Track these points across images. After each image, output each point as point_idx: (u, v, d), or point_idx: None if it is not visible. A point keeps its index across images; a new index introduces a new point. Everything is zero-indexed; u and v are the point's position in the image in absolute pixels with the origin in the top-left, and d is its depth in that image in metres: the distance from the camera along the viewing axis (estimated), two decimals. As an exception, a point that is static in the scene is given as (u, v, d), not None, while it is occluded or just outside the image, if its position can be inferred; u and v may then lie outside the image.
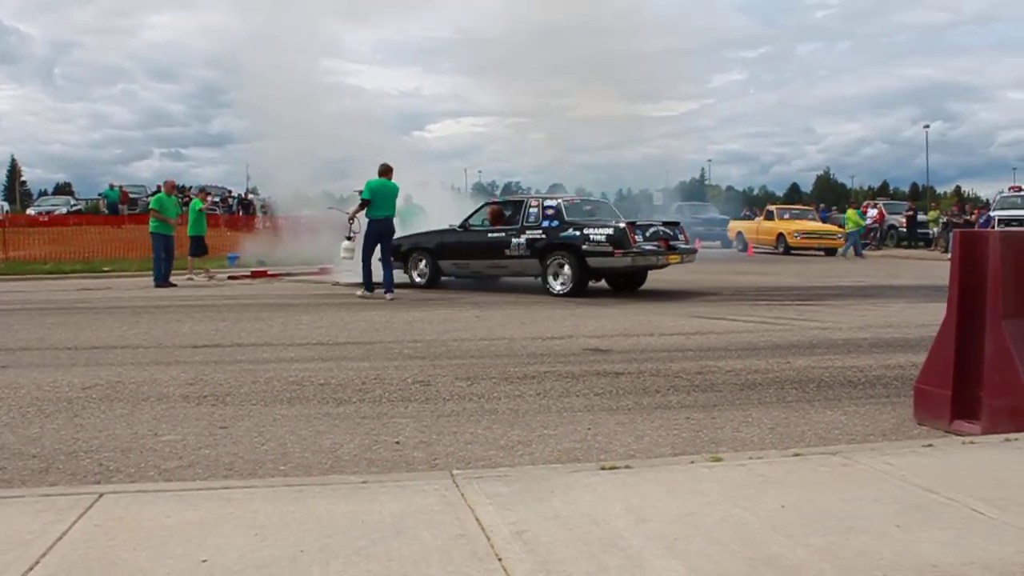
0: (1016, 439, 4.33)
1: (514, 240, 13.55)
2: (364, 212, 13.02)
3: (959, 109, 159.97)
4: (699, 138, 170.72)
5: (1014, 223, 27.63)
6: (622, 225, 12.99)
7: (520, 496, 3.42)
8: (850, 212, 29.71)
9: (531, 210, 13.60)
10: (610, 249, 12.65)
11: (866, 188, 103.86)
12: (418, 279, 14.93)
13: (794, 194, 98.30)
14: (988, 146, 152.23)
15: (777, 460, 3.95)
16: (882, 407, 5.60)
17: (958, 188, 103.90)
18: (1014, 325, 4.73)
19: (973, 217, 30.61)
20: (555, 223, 13.31)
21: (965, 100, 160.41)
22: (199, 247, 18.18)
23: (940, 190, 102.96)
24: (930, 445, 4.23)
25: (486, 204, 14.93)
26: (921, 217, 37.10)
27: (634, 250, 12.63)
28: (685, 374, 6.70)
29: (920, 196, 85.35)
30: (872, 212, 35.24)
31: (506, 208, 14.45)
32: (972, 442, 4.32)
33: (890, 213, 36.45)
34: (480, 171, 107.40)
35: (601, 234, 12.76)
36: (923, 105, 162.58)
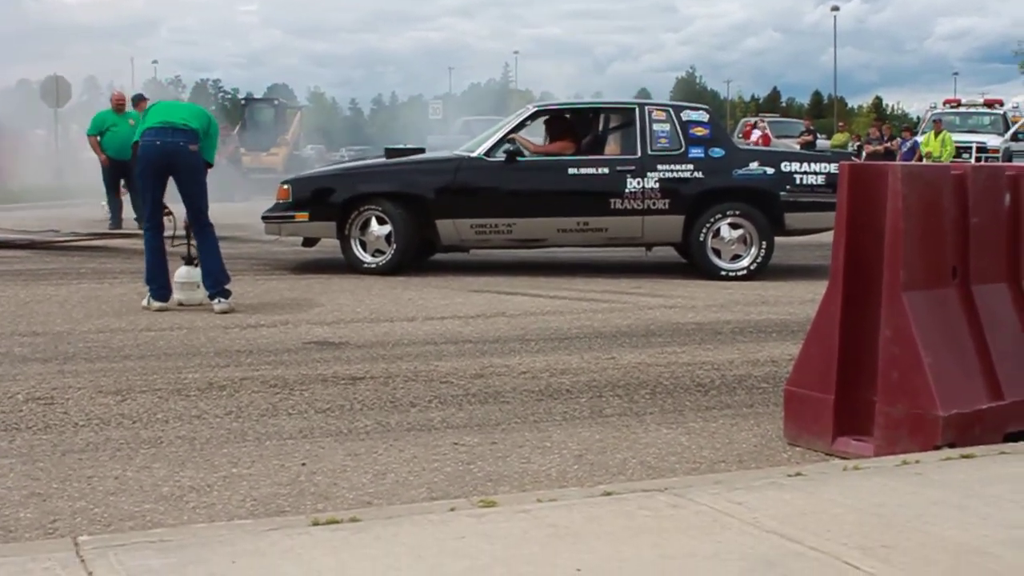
0: (916, 461, 4.72)
1: (631, 181, 12.08)
2: None
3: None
4: (501, 18, 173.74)
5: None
6: (852, 156, 12.19)
7: (182, 572, 3.43)
8: (839, 137, 30.18)
9: (657, 126, 12.29)
10: (834, 199, 11.46)
11: (748, 99, 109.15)
12: (370, 259, 12.26)
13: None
14: (923, 39, 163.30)
15: (578, 503, 4.13)
16: (742, 421, 5.99)
17: (878, 100, 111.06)
18: (919, 300, 5.16)
19: (895, 144, 32.71)
20: (716, 151, 12.32)
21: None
22: None
23: (853, 103, 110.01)
24: (799, 475, 4.55)
25: (540, 111, 13.25)
26: (823, 142, 39.23)
27: None
28: (456, 378, 6.87)
29: (824, 112, 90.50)
30: (754, 135, 36.96)
31: (585, 122, 13.32)
32: (857, 468, 4.68)
33: (779, 136, 38.27)
34: (156, 61, 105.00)
35: (818, 171, 12.17)
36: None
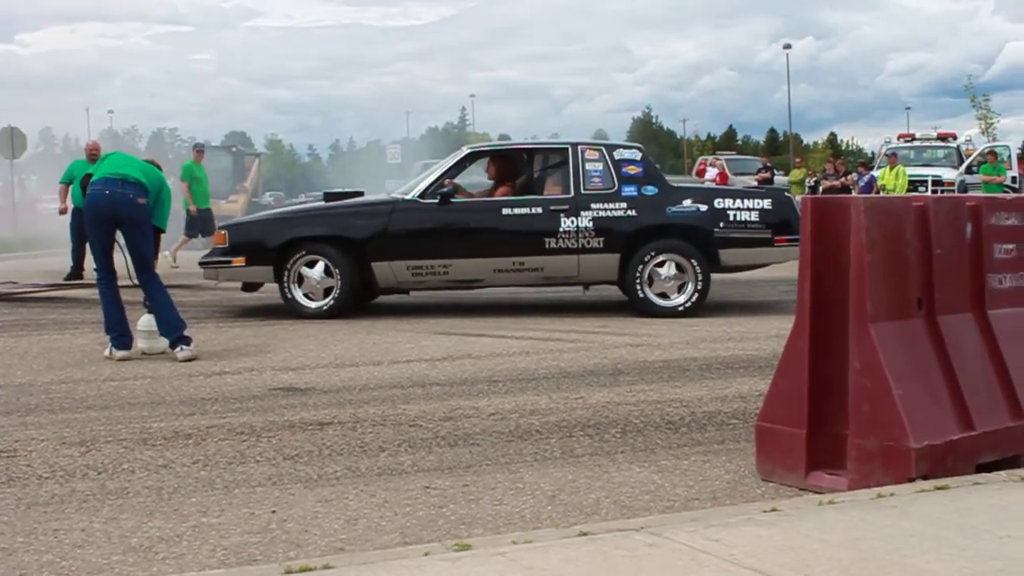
0: (891, 494, 4.72)
1: (566, 221, 12.14)
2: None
3: (834, 21, 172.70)
4: (457, 61, 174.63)
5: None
6: (785, 193, 12.62)
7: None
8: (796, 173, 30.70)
9: (590, 165, 12.37)
10: (768, 235, 12.24)
11: (704, 137, 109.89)
12: (310, 303, 12.26)
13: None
14: (875, 75, 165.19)
15: (555, 544, 4.10)
16: (714, 458, 5.96)
17: (833, 136, 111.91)
18: (887, 331, 5.16)
19: (851, 179, 32.97)
20: (649, 188, 12.37)
21: (843, 8, 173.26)
22: None
23: (808, 139, 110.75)
24: (774, 510, 4.53)
25: (475, 153, 13.42)
26: (780, 178, 39.55)
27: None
28: (425, 421, 6.84)
29: (780, 149, 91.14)
30: (711, 172, 37.21)
31: (520, 162, 13.35)
32: (832, 502, 4.67)
33: (736, 173, 38.65)
34: (112, 111, 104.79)
35: (751, 207, 12.25)
36: (783, 15, 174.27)
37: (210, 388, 8.02)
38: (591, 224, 12.10)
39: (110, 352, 9.39)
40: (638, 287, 12.04)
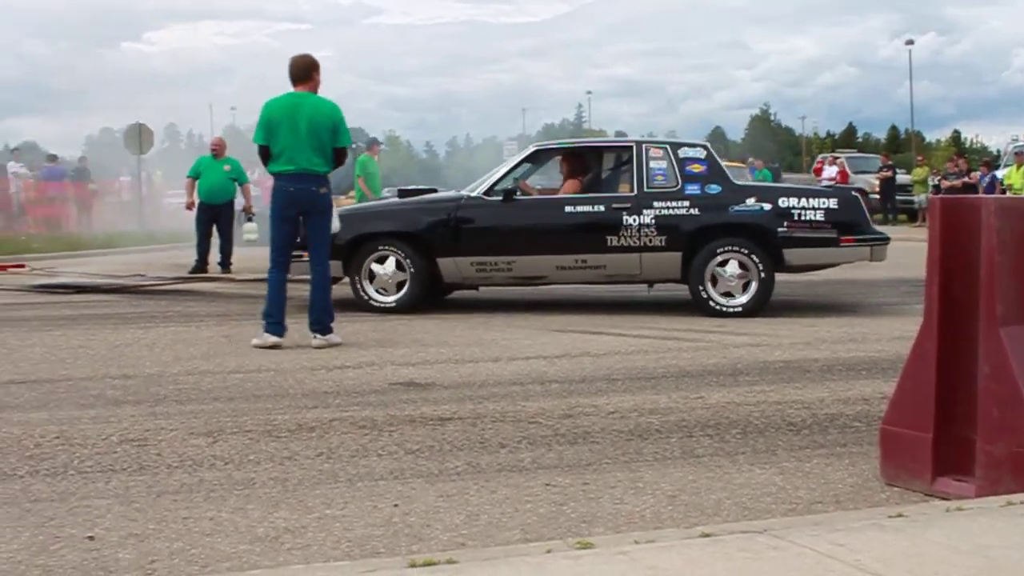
0: (1021, 502, 4.60)
1: (627, 219, 12.18)
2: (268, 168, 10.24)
3: (958, 16, 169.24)
4: (574, 58, 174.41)
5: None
6: (852, 191, 12.78)
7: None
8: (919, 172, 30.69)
9: (654, 164, 12.42)
10: (834, 235, 12.12)
11: (824, 135, 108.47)
12: (381, 297, 12.51)
13: (717, 143, 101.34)
14: (1001, 71, 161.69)
15: (677, 544, 4.07)
16: (836, 461, 5.88)
17: (956, 134, 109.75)
18: (1018, 335, 5.04)
19: (974, 178, 32.37)
20: (713, 187, 12.35)
21: (967, 3, 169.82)
22: None
23: (931, 137, 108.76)
24: (900, 516, 4.45)
25: (540, 151, 13.60)
26: (903, 177, 38.99)
27: (873, 236, 12.27)
28: (545, 418, 6.84)
29: (902, 147, 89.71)
30: (830, 171, 36.81)
31: (588, 159, 13.57)
32: (960, 509, 4.58)
33: (857, 172, 38.21)
34: (234, 108, 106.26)
35: (817, 207, 12.15)
36: (903, 10, 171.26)
37: (332, 382, 8.12)
38: (653, 222, 12.15)
39: (261, 338, 9.68)
40: (700, 286, 12.02)
